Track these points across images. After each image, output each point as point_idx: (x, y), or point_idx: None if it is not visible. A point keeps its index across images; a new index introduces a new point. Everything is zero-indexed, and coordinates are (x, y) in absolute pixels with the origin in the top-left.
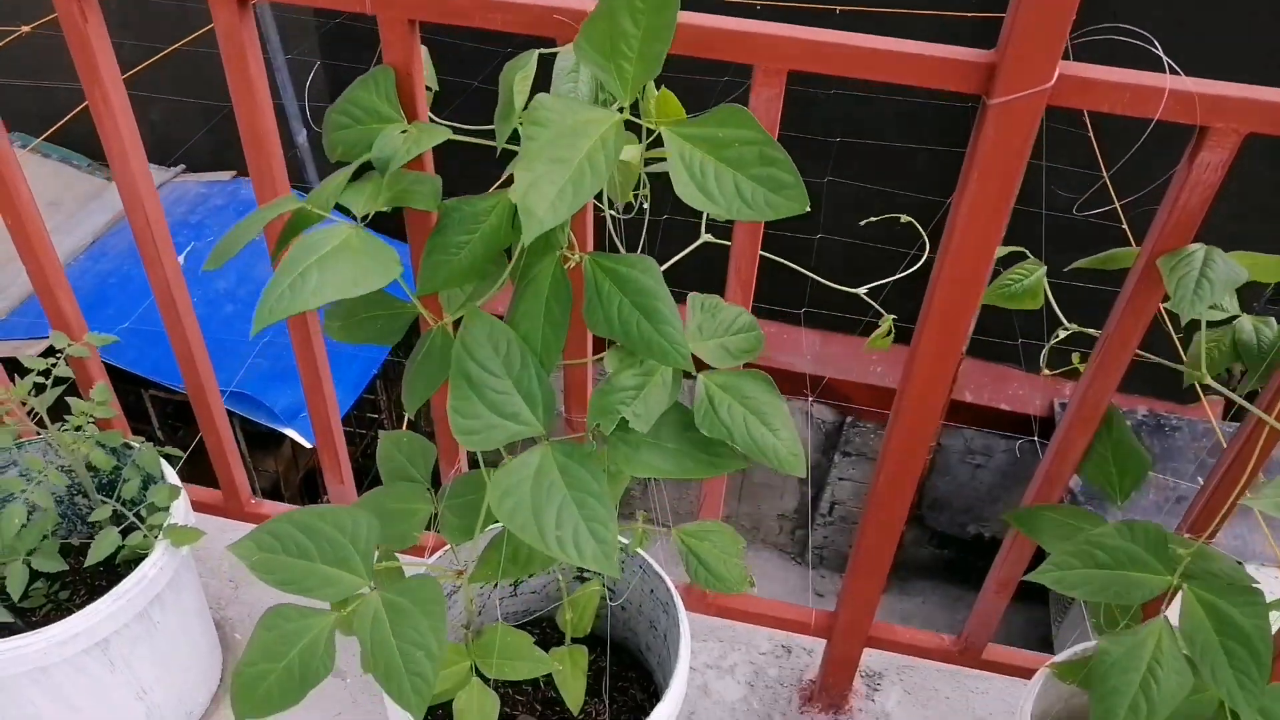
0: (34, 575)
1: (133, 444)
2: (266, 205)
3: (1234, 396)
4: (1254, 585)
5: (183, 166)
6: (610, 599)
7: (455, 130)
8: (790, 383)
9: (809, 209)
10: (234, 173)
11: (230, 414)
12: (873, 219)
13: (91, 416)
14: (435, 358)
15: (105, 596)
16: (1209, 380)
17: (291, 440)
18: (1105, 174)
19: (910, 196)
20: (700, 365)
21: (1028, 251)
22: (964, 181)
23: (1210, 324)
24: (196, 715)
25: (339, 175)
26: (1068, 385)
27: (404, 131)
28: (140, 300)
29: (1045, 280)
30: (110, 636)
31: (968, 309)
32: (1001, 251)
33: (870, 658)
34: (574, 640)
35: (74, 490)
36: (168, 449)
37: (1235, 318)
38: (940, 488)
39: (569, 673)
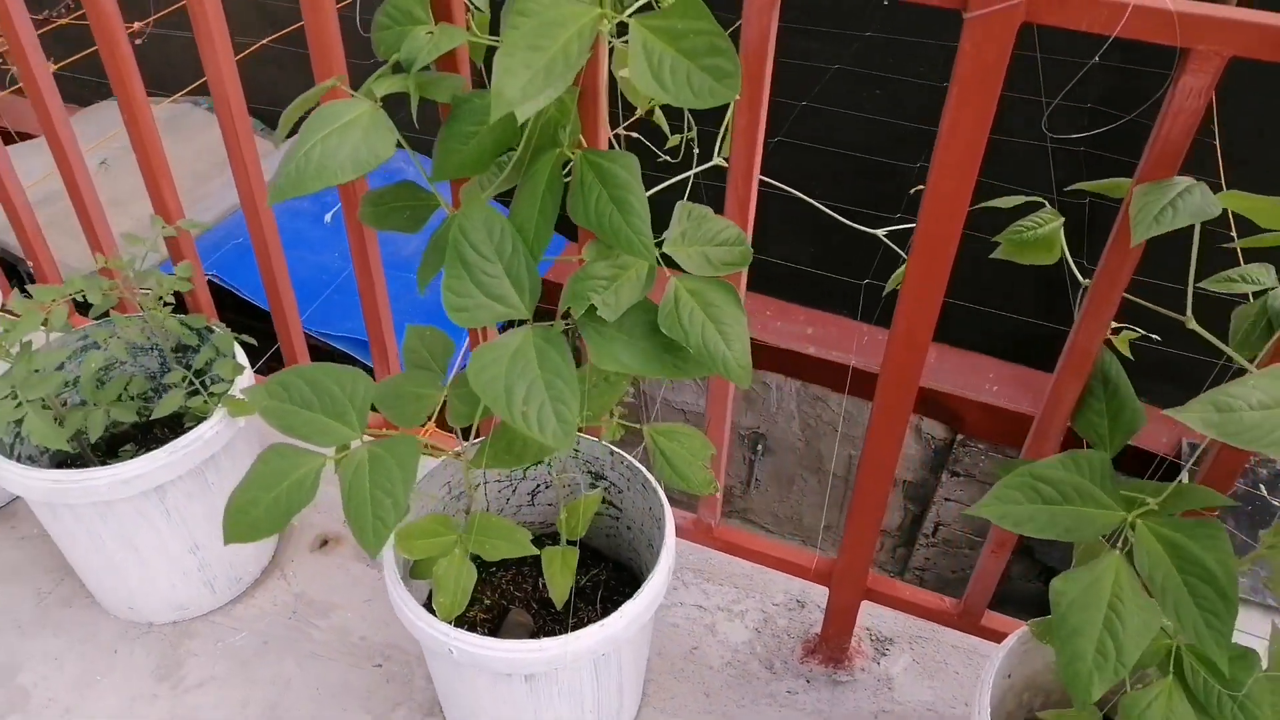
0: (116, 430)
1: (214, 327)
2: (320, 86)
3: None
4: (1213, 522)
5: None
6: (618, 518)
7: (473, 35)
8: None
9: (738, 96)
10: None
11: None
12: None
13: (173, 289)
14: (445, 245)
15: (164, 448)
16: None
17: None
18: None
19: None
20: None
21: (1045, 201)
22: (946, 102)
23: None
24: (245, 583)
25: (380, 71)
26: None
27: (429, 33)
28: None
29: (1062, 234)
30: (166, 485)
31: (952, 233)
32: (1013, 201)
33: (883, 621)
34: (571, 543)
35: (165, 367)
36: (243, 336)
37: (1270, 290)
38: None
39: (557, 568)
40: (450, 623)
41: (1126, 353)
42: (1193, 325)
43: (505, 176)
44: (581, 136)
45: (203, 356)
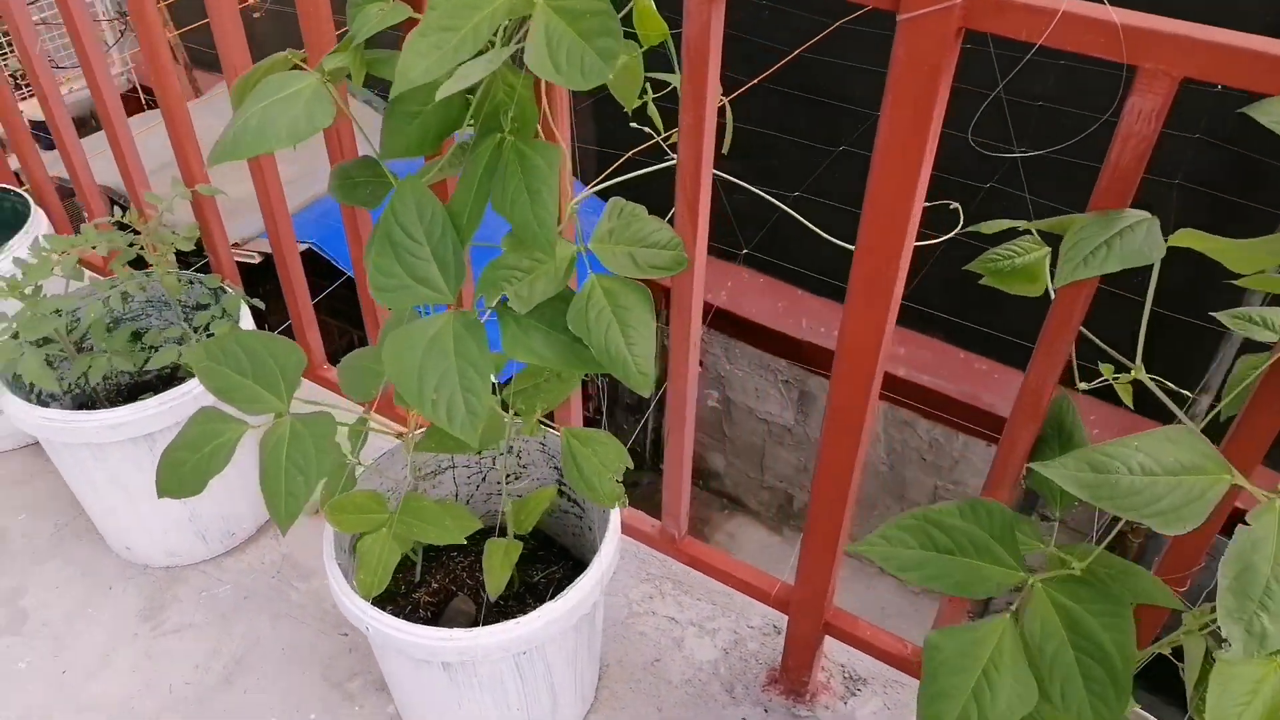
0: (142, 379)
1: (227, 288)
2: (271, 58)
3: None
4: (1118, 598)
5: None
6: (581, 517)
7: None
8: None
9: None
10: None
11: None
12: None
13: (174, 248)
14: None
15: (155, 398)
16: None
17: None
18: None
19: None
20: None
21: (1033, 228)
22: (882, 107)
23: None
24: (239, 538)
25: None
26: None
27: (380, 9)
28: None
29: (1047, 264)
30: (156, 434)
31: (895, 249)
32: (997, 227)
33: (860, 661)
34: (520, 537)
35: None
36: (252, 299)
37: None
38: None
39: (498, 560)
40: (369, 600)
41: (1127, 400)
42: (1141, 375)
43: (448, 160)
44: (540, 126)
45: (207, 315)
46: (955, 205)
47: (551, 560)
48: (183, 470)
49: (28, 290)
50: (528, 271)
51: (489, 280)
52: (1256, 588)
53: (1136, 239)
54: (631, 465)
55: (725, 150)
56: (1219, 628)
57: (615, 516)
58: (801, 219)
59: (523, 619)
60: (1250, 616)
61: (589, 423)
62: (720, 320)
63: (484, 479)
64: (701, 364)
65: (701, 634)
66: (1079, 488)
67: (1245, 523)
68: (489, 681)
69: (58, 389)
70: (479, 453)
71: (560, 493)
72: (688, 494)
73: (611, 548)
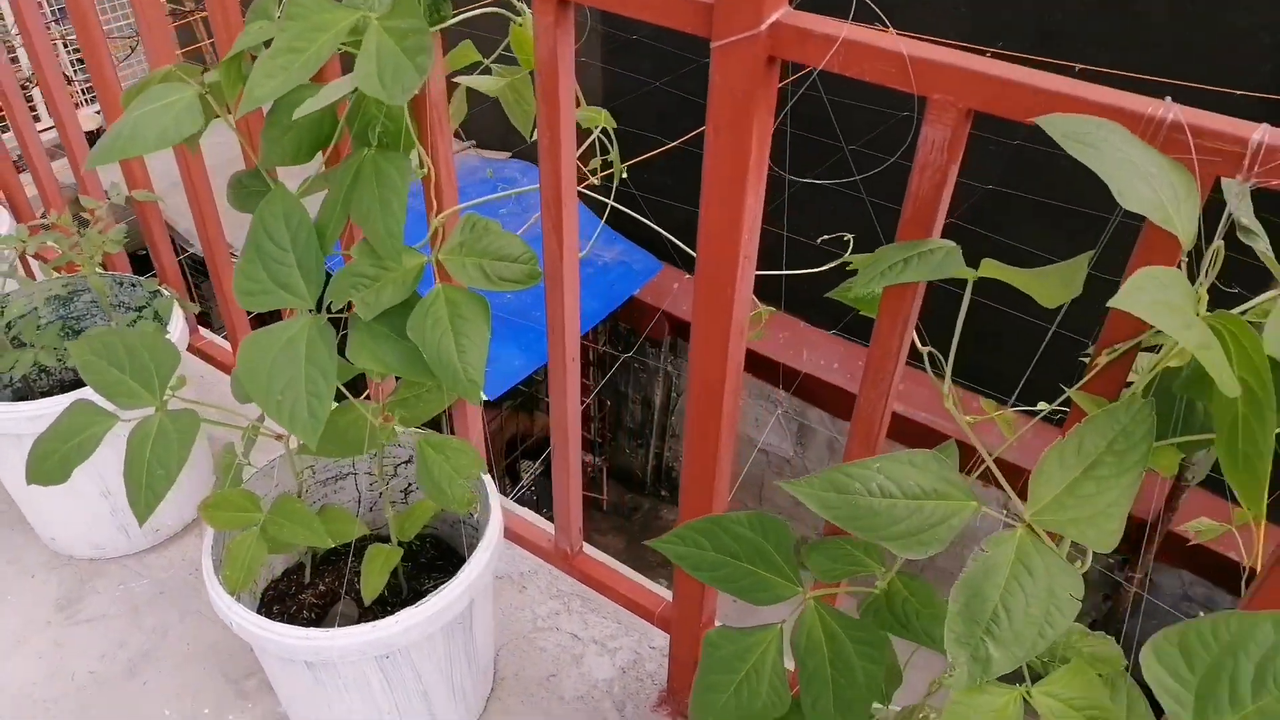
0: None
1: (164, 291)
2: (154, 73)
3: None
4: (879, 632)
5: (473, 142)
6: (477, 528)
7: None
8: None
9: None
10: (509, 154)
11: None
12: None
13: (102, 249)
14: None
15: (68, 394)
16: None
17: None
18: None
19: None
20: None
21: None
22: (705, 136)
23: None
24: (164, 534)
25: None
26: None
27: (259, 26)
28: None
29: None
30: None
31: (728, 276)
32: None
33: None
34: (403, 544)
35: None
36: (185, 302)
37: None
38: (1146, 634)
39: (376, 566)
40: (234, 595)
41: (1008, 434)
42: (950, 407)
43: (317, 176)
44: (419, 141)
45: (128, 316)
46: (849, 236)
47: (451, 570)
48: (50, 460)
49: None
50: (375, 279)
51: (338, 288)
52: (984, 614)
53: (935, 260)
54: (485, 471)
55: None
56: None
57: (493, 528)
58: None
59: (380, 622)
60: (976, 642)
61: (591, 445)
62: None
63: (387, 486)
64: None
65: (602, 652)
66: (822, 508)
67: (983, 549)
68: (354, 683)
69: None
70: (355, 457)
71: None
72: (579, 508)
73: (483, 558)
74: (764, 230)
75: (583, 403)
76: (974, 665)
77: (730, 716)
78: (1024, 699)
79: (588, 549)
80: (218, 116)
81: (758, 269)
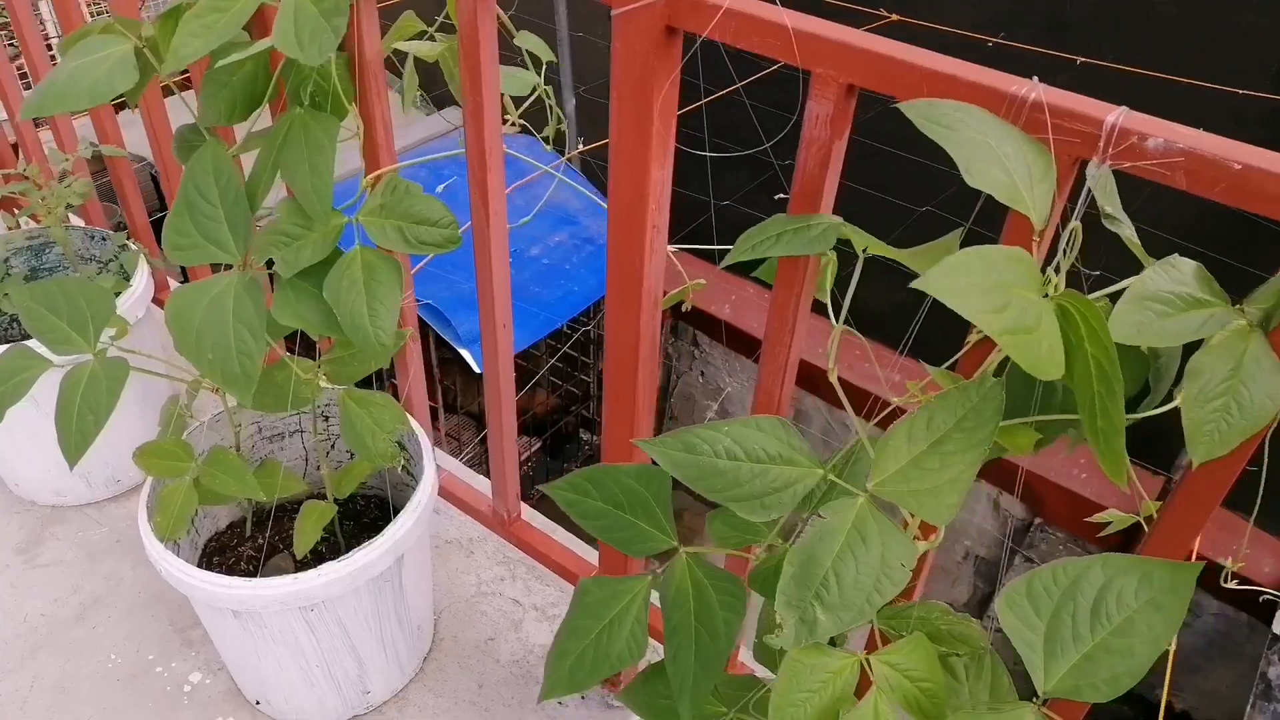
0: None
1: (130, 245)
2: (92, 24)
3: None
4: (739, 581)
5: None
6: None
7: None
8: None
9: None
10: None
11: (422, 324)
12: None
13: (65, 201)
14: None
15: (30, 342)
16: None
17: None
18: None
19: None
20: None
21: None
22: (611, 106)
23: None
24: (124, 485)
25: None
26: None
27: None
28: None
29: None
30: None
31: (637, 245)
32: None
33: None
34: (338, 502)
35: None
36: (153, 258)
37: None
38: None
39: (310, 522)
40: (166, 542)
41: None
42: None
43: (251, 134)
44: (355, 104)
45: (91, 268)
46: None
47: None
48: None
49: None
50: (296, 238)
51: (261, 245)
52: (815, 578)
53: (809, 235)
54: (406, 427)
55: (551, 145)
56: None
57: (423, 491)
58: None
59: (302, 575)
60: (806, 605)
61: (591, 424)
62: (722, 334)
63: (333, 446)
64: (703, 375)
65: (542, 618)
66: (672, 466)
67: (821, 515)
68: (280, 634)
69: None
70: (293, 414)
71: (403, 468)
72: (515, 474)
73: (409, 519)
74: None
75: (585, 382)
76: (801, 627)
77: (588, 660)
78: (862, 665)
79: (527, 515)
80: (155, 72)
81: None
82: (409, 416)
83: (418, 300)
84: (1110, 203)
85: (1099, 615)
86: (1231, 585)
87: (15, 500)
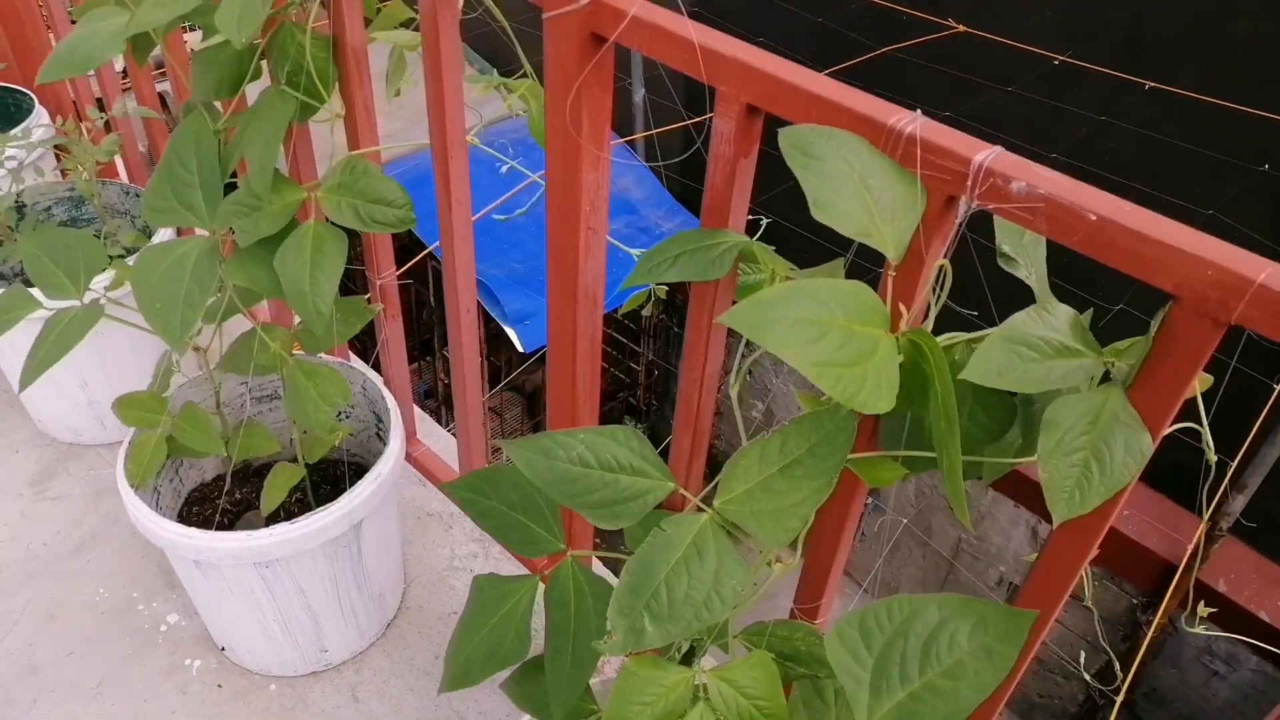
0: None
1: None
2: None
3: None
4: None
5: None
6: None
7: None
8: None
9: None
10: None
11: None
12: None
13: (96, 158)
14: None
15: None
16: None
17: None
18: None
19: None
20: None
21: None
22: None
23: None
24: None
25: None
26: None
27: None
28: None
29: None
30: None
31: (570, 245)
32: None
33: None
34: (321, 465)
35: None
36: None
37: None
38: (1164, 679)
39: (279, 482)
40: (135, 489)
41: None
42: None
43: (233, 110)
44: (339, 86)
45: (119, 222)
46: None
47: None
48: None
49: None
50: (254, 209)
51: (224, 212)
52: (648, 589)
53: (708, 257)
54: (349, 401)
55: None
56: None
57: (385, 462)
58: None
59: (256, 532)
60: (636, 615)
61: (636, 411)
62: None
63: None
64: (750, 374)
65: None
66: (527, 469)
67: (663, 528)
68: (237, 587)
69: None
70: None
71: (378, 435)
72: (481, 455)
73: (367, 489)
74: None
75: (634, 370)
76: (629, 636)
77: (479, 655)
78: (697, 680)
79: None
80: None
81: None
82: (385, 391)
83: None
84: (1010, 242)
85: (929, 656)
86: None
87: (38, 435)
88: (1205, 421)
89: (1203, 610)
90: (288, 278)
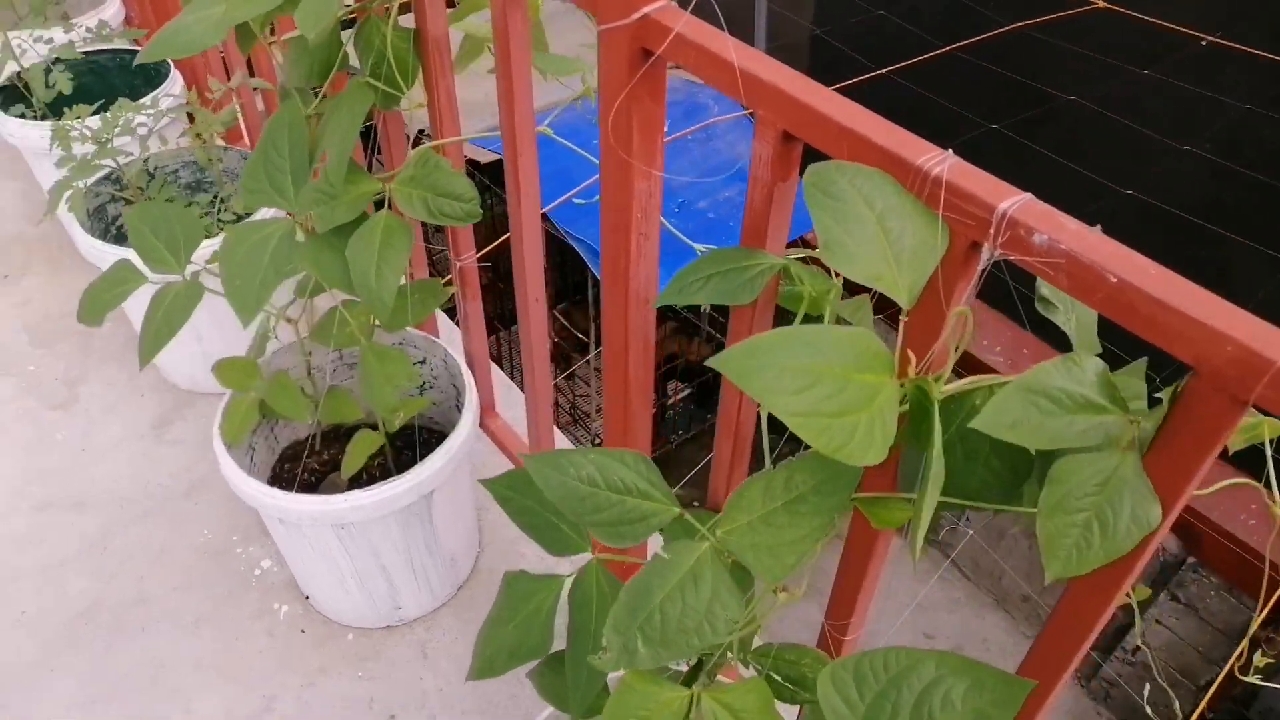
0: None
1: None
2: None
3: None
4: None
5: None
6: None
7: None
8: None
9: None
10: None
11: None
12: None
13: (213, 128)
14: None
15: None
16: None
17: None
18: None
19: None
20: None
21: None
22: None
23: None
24: None
25: None
26: None
27: None
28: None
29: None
30: None
31: (623, 247)
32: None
33: None
34: (401, 433)
35: None
36: None
37: None
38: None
39: (360, 448)
40: (229, 446)
41: None
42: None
43: (320, 99)
44: (422, 80)
45: (231, 189)
46: None
47: None
48: (94, 304)
49: (103, 140)
50: (333, 197)
51: (306, 197)
52: (643, 610)
53: (740, 279)
54: (416, 383)
55: None
56: None
57: (456, 438)
58: None
59: (332, 497)
60: (630, 635)
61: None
62: None
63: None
64: None
65: (573, 569)
66: (542, 482)
67: (662, 553)
68: (316, 544)
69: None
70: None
71: (456, 408)
72: (550, 430)
73: (438, 461)
74: None
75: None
76: (622, 655)
77: (504, 649)
78: (694, 700)
79: None
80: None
81: None
82: (464, 368)
83: (578, 238)
84: (1049, 285)
85: (920, 712)
86: None
87: (160, 381)
88: (1275, 477)
89: None
90: (357, 268)
